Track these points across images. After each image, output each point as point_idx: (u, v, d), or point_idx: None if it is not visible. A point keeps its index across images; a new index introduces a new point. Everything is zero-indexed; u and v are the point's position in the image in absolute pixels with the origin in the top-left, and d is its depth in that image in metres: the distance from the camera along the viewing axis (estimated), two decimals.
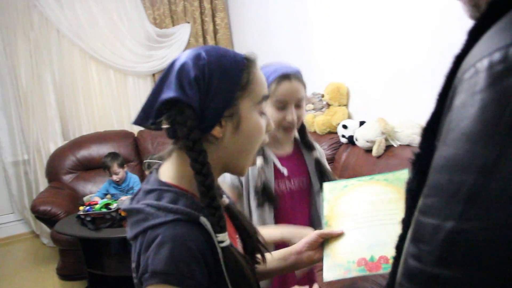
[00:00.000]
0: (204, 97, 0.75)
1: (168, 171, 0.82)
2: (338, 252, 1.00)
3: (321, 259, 1.03)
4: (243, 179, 1.33)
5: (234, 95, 0.78)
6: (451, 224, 0.39)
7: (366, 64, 2.98)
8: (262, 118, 0.84)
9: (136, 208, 0.76)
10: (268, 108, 1.28)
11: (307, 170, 1.42)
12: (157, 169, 0.85)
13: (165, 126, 0.79)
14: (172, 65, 0.79)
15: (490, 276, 0.37)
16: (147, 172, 3.35)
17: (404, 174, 1.10)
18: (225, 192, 0.98)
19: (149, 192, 0.78)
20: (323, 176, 1.40)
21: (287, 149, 1.42)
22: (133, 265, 0.77)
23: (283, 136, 1.34)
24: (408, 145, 2.50)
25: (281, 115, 1.29)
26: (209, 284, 0.74)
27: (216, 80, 0.76)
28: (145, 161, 3.54)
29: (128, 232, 0.78)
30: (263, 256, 0.93)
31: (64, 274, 3.41)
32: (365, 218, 1.04)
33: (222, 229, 0.75)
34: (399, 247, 0.54)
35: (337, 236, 1.03)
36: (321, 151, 1.48)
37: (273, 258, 1.06)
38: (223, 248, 0.75)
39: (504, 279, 0.37)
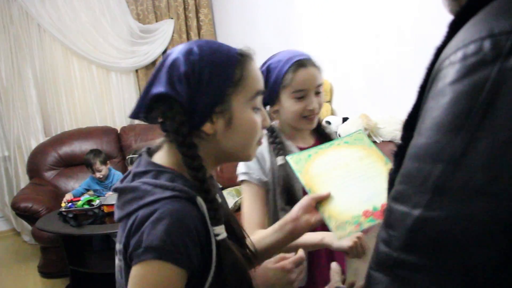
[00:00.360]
0: (194, 93, 0.74)
1: (162, 158, 0.80)
2: (339, 212, 0.98)
3: (318, 222, 0.98)
4: (270, 175, 1.24)
5: (225, 91, 0.76)
6: (418, 212, 0.40)
7: (349, 61, 3.00)
8: (257, 114, 0.82)
9: (131, 186, 0.74)
10: (286, 99, 1.23)
11: None
12: (146, 153, 0.83)
13: (159, 120, 0.80)
14: (165, 60, 0.78)
15: (452, 265, 0.38)
16: (130, 168, 3.32)
17: (361, 134, 1.11)
18: (220, 191, 0.95)
19: (143, 173, 0.76)
20: None
21: (310, 140, 1.34)
22: (119, 246, 0.75)
23: (305, 126, 1.27)
24: (390, 141, 2.53)
25: (301, 105, 1.22)
26: (198, 268, 0.71)
27: (206, 76, 0.74)
28: (128, 156, 3.51)
29: (118, 212, 0.76)
30: (250, 261, 0.87)
31: (45, 272, 3.37)
32: (348, 177, 1.03)
33: (218, 222, 0.74)
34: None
35: (329, 198, 0.99)
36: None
37: (269, 233, 1.01)
38: (219, 241, 0.73)
39: (465, 268, 0.37)
